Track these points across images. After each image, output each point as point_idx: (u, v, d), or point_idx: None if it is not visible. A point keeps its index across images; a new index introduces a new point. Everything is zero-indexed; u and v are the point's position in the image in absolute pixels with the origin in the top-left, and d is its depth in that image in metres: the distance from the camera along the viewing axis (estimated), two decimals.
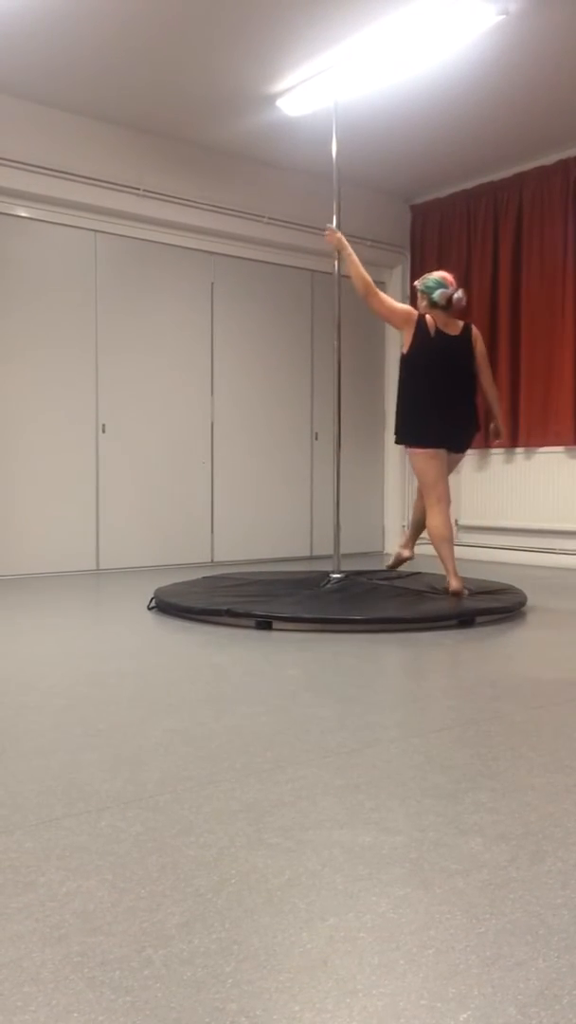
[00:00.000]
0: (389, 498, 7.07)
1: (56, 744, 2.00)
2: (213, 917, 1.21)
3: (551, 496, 5.94)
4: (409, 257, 6.92)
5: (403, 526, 7.01)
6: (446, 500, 4.04)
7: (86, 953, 1.12)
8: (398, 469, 7.01)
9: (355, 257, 4.15)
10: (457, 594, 3.92)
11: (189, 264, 5.97)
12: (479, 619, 3.64)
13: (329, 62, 4.55)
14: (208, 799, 1.65)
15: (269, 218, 6.06)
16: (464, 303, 4.10)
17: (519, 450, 6.13)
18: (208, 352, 6.06)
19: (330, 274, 6.33)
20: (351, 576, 4.22)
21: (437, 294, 4.02)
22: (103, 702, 2.38)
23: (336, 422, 4.41)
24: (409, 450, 4.11)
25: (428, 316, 4.04)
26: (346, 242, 4.19)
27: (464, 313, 4.25)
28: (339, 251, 4.22)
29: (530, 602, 4.13)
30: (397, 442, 4.18)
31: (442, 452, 4.04)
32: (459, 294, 4.05)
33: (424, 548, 6.88)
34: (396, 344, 6.99)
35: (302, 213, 6.14)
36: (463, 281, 6.47)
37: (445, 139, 5.67)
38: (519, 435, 6.08)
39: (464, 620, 3.58)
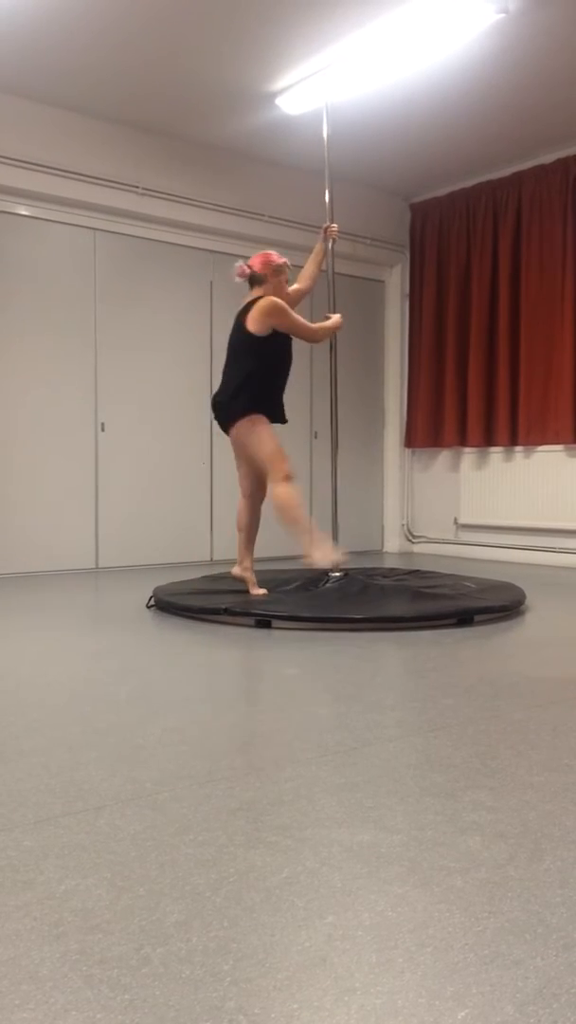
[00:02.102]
0: (388, 496, 7.07)
1: (55, 742, 2.00)
2: (211, 915, 1.21)
3: (550, 495, 5.94)
4: (408, 256, 6.92)
5: (402, 524, 7.01)
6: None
7: (84, 951, 1.12)
8: (398, 467, 7.01)
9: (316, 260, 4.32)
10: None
11: (188, 262, 5.96)
12: (478, 618, 3.64)
13: (328, 60, 4.54)
14: (207, 797, 1.65)
15: (269, 216, 6.05)
16: (244, 271, 3.98)
17: (518, 449, 6.13)
18: (207, 351, 6.06)
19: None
20: (350, 575, 4.22)
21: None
22: (102, 700, 2.38)
23: (333, 421, 4.40)
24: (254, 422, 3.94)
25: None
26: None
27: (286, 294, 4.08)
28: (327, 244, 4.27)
29: (529, 601, 4.14)
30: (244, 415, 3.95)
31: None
32: (256, 261, 3.99)
33: (423, 547, 6.88)
34: (396, 341, 6.99)
35: (301, 211, 6.13)
36: (463, 279, 6.48)
37: (444, 137, 5.66)
38: (519, 434, 6.09)
39: (463, 619, 3.58)
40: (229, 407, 3.94)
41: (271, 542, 6.33)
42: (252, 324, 3.85)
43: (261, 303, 3.85)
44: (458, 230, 6.48)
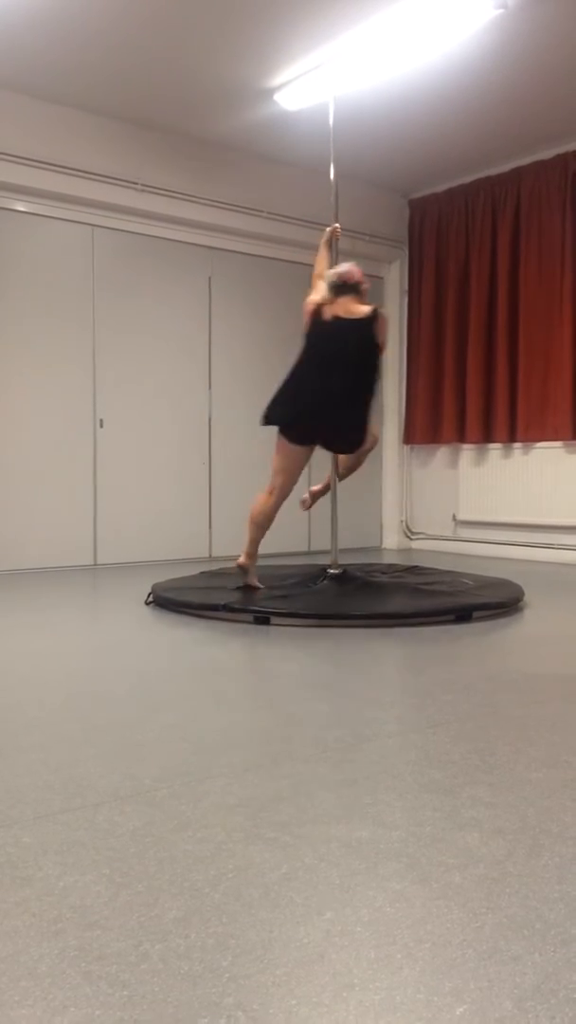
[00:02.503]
0: (387, 493, 7.07)
1: (54, 739, 2.00)
2: (210, 911, 1.21)
3: (549, 491, 5.94)
4: (407, 252, 6.91)
5: (401, 520, 7.02)
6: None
7: (83, 947, 1.12)
8: (396, 464, 7.01)
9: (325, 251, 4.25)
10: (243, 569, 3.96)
11: (187, 259, 5.95)
12: (476, 614, 3.64)
13: (327, 56, 4.53)
14: (205, 794, 1.65)
15: (268, 212, 6.04)
16: (356, 278, 3.86)
17: (517, 445, 6.12)
18: (206, 347, 6.06)
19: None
20: (348, 571, 4.22)
21: (328, 275, 3.94)
22: (100, 697, 2.38)
23: None
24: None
25: (330, 305, 3.86)
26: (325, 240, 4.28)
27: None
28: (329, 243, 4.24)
29: (527, 597, 4.14)
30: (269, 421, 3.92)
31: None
32: (353, 272, 3.89)
33: (422, 543, 6.88)
34: (395, 339, 6.98)
35: (300, 208, 6.13)
36: (462, 275, 6.47)
37: (443, 134, 5.65)
38: (517, 430, 6.08)
39: (461, 615, 3.58)
40: (358, 429, 3.80)
41: (271, 542, 6.33)
42: (383, 338, 3.78)
43: (384, 318, 3.79)
44: (457, 226, 6.47)
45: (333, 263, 4.18)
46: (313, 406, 3.77)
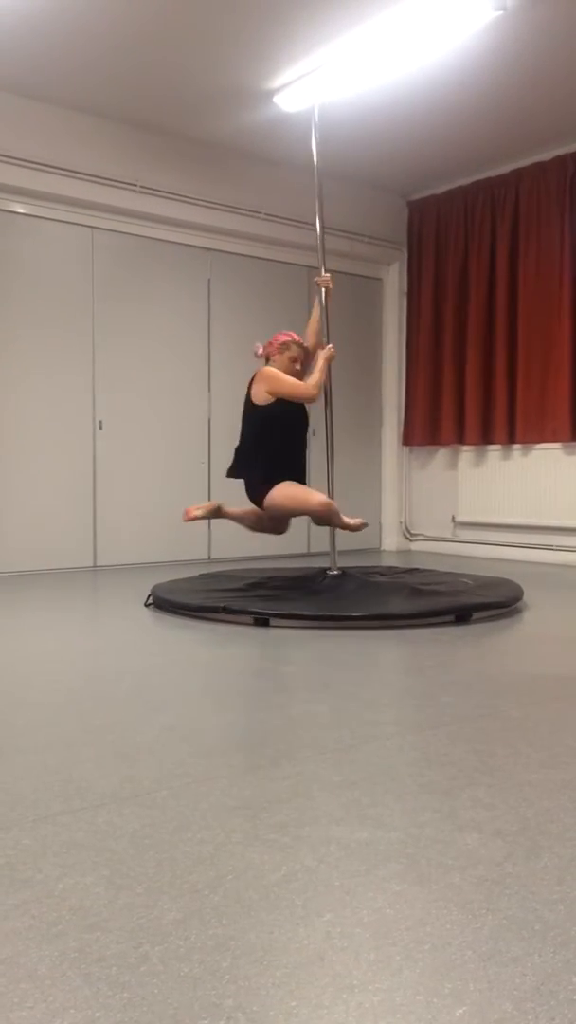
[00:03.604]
0: (386, 494, 7.07)
1: (53, 740, 2.00)
2: (210, 913, 1.21)
3: (547, 492, 5.94)
4: (406, 254, 6.92)
5: (400, 522, 7.02)
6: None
7: (83, 949, 1.12)
8: (395, 465, 7.02)
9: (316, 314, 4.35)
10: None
11: (186, 260, 5.96)
12: (476, 615, 3.64)
13: (326, 58, 4.54)
14: (205, 795, 1.65)
15: (266, 214, 6.04)
16: (258, 352, 4.21)
17: (516, 447, 6.13)
18: (205, 348, 6.06)
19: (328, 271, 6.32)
20: (348, 572, 4.22)
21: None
22: (100, 699, 2.38)
23: (327, 419, 4.39)
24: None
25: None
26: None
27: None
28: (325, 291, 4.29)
29: (526, 598, 4.14)
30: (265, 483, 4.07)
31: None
32: (257, 347, 4.22)
33: (421, 545, 6.89)
34: (394, 339, 6.99)
35: (299, 209, 6.13)
36: (461, 276, 6.48)
37: (442, 135, 5.66)
38: (516, 431, 6.09)
39: (461, 616, 3.58)
40: (253, 483, 4.08)
41: (271, 543, 6.33)
42: (254, 395, 4.06)
43: (258, 372, 4.08)
44: (456, 228, 6.48)
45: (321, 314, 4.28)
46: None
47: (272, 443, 4.05)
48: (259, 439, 4.06)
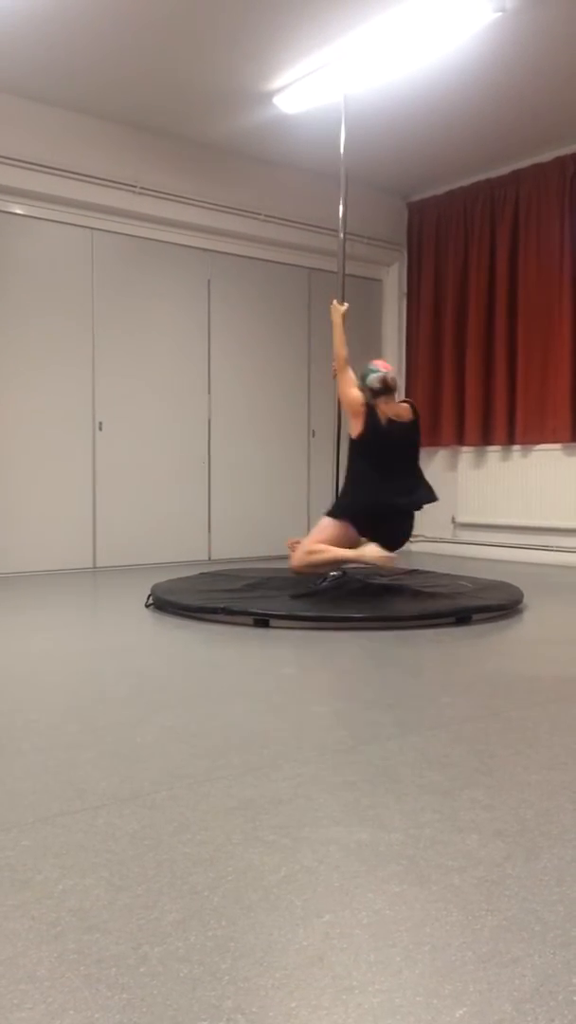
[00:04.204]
0: None
1: (53, 741, 2.00)
2: (209, 914, 1.21)
3: (547, 493, 5.94)
4: (406, 255, 6.92)
5: None
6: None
7: (82, 951, 1.12)
8: None
9: (340, 331, 4.25)
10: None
11: (186, 262, 5.96)
12: (476, 617, 3.64)
13: (326, 59, 4.54)
14: (205, 796, 1.65)
15: (266, 215, 6.05)
16: (395, 382, 4.09)
17: (516, 448, 6.13)
18: (205, 350, 6.06)
19: (327, 272, 6.33)
20: (348, 574, 4.22)
21: (370, 379, 4.00)
22: (100, 699, 2.38)
23: (337, 419, 4.40)
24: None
25: (379, 406, 3.98)
26: (340, 319, 4.27)
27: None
28: (337, 320, 4.26)
29: (526, 600, 4.14)
30: (332, 514, 4.05)
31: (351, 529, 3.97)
32: (391, 374, 4.05)
33: (421, 546, 6.88)
34: (394, 340, 6.99)
35: (299, 210, 6.13)
36: (461, 277, 6.48)
37: (442, 136, 5.66)
38: (516, 433, 6.09)
39: (461, 618, 3.58)
40: (411, 529, 4.07)
41: (271, 544, 6.34)
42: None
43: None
44: (456, 229, 6.48)
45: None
46: (380, 507, 3.94)
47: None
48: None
